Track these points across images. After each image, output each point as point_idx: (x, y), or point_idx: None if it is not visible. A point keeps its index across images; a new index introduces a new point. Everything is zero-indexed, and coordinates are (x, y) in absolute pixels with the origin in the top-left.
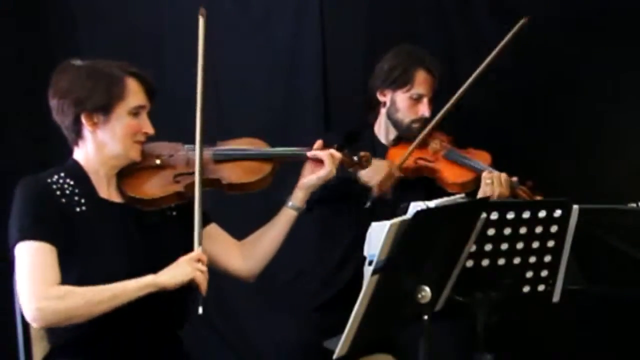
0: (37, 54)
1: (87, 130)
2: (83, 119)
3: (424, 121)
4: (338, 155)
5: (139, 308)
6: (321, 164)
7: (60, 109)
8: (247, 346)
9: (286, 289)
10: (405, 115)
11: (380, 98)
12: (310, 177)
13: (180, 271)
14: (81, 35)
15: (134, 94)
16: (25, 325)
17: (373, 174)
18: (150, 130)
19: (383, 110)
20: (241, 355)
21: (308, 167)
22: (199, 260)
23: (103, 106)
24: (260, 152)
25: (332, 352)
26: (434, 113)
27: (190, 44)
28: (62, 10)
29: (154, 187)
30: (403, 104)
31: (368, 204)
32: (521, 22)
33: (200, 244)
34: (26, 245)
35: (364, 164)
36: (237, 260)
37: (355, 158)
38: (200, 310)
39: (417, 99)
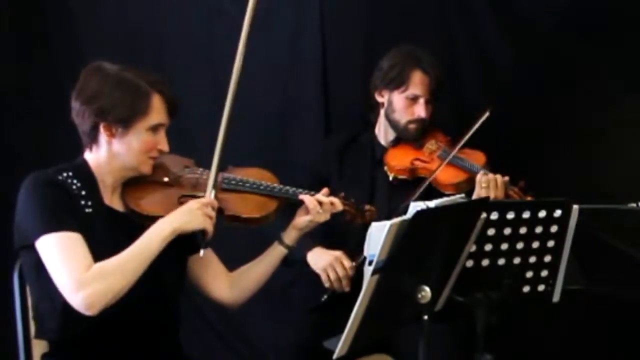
0: (37, 54)
1: (103, 138)
2: (101, 128)
3: (422, 123)
4: (340, 207)
5: (137, 311)
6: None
7: (81, 113)
8: (247, 347)
9: (286, 289)
10: (401, 116)
11: (379, 99)
12: (304, 219)
13: (193, 218)
14: (81, 35)
15: (157, 112)
16: (26, 325)
17: (316, 260)
18: (165, 148)
19: (382, 111)
20: (241, 356)
21: (304, 207)
22: (210, 206)
23: (124, 119)
24: (268, 189)
25: (332, 352)
26: (436, 114)
27: (190, 44)
28: (61, 9)
29: (156, 205)
30: (399, 104)
31: (324, 297)
32: (485, 115)
33: (213, 188)
34: (51, 237)
35: (366, 217)
36: (222, 290)
37: (360, 211)
38: (202, 253)
39: (414, 100)
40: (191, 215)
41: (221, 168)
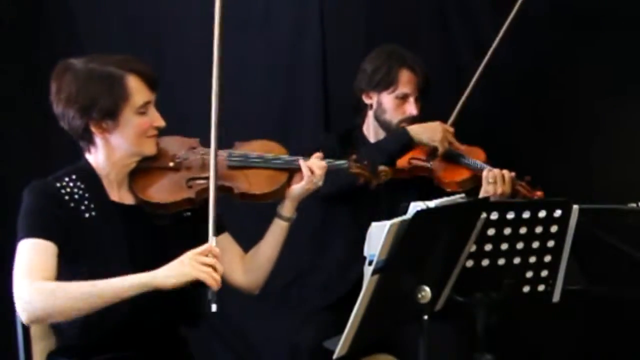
0: (36, 54)
1: (97, 137)
2: (92, 128)
3: (413, 121)
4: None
5: (144, 307)
6: (310, 174)
7: (67, 118)
8: (247, 347)
9: (286, 290)
10: (392, 116)
11: (367, 100)
12: (296, 187)
13: (178, 271)
14: (81, 34)
15: (138, 92)
16: (25, 325)
17: (432, 134)
18: (161, 123)
19: (370, 113)
20: (241, 355)
21: (298, 176)
22: (208, 254)
23: (109, 111)
24: (276, 161)
25: (332, 352)
26: (432, 109)
27: (190, 43)
28: (61, 9)
29: (165, 191)
30: (389, 105)
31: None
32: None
33: (215, 234)
34: (26, 242)
35: (381, 178)
36: (239, 275)
37: (374, 173)
38: (214, 307)
39: (403, 99)
40: (176, 267)
41: (227, 145)
